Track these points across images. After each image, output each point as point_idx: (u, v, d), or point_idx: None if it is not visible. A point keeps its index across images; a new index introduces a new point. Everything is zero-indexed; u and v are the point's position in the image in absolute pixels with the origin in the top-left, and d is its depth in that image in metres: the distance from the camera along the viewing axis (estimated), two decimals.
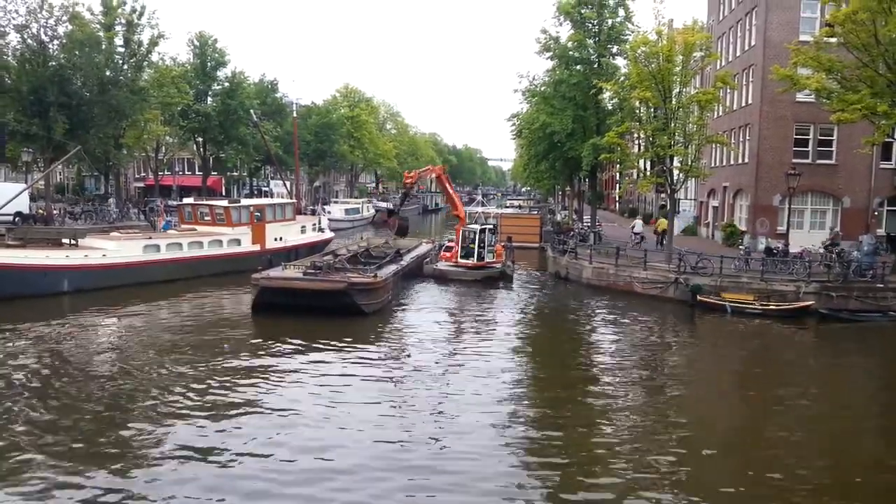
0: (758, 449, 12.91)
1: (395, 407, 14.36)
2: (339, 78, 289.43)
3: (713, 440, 13.52)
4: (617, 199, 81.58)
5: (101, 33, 43.06)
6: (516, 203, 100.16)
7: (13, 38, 38.22)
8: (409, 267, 30.34)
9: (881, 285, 25.19)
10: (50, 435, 12.43)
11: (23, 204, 41.44)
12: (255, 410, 13.96)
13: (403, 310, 25.47)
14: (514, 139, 58.33)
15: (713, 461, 12.44)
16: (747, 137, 36.54)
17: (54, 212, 43.68)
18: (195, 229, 33.37)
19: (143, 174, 72.67)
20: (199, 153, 62.54)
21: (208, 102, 58.28)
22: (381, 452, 12.02)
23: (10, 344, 18.88)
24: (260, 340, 20.17)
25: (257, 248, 33.90)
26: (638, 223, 40.31)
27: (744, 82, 37.00)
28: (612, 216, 70.05)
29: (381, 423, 13.37)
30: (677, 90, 29.89)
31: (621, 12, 36.66)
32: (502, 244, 33.44)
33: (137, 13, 45.07)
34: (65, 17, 39.37)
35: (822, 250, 29.13)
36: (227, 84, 59.20)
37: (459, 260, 32.06)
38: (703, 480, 11.40)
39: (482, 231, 32.04)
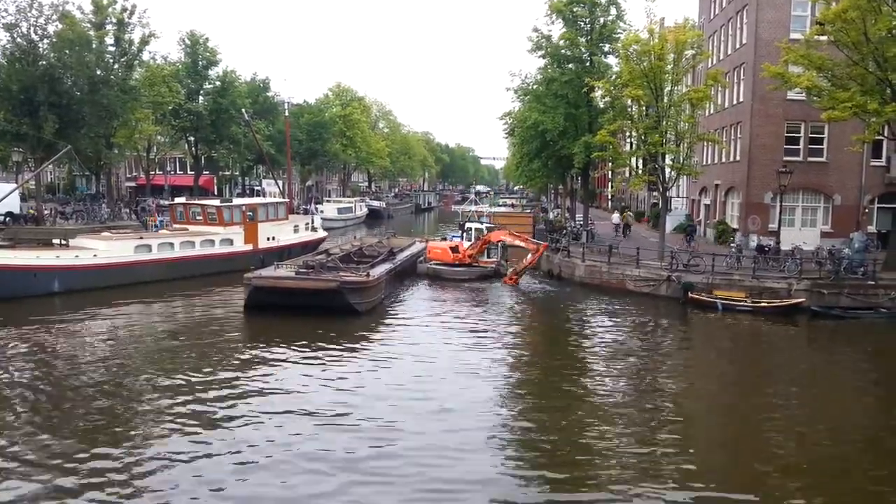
0: (748, 445, 12.97)
1: (387, 406, 14.31)
2: (331, 76, 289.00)
3: (705, 438, 13.58)
4: (609, 197, 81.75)
5: (91, 32, 42.77)
6: (509, 202, 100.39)
7: (2, 37, 38.02)
8: (402, 266, 30.32)
9: (872, 282, 25.32)
10: (44, 435, 12.37)
11: (13, 204, 41.27)
12: (247, 410, 13.90)
13: (396, 309, 25.44)
14: (507, 138, 58.21)
15: (705, 458, 12.46)
16: (739, 135, 36.67)
17: (45, 212, 43.44)
18: (187, 229, 33.24)
19: (134, 174, 72.31)
20: (191, 152, 62.27)
21: (200, 101, 58.03)
22: (374, 452, 12.00)
23: (0, 346, 18.76)
24: (252, 340, 20.14)
25: (249, 247, 33.81)
26: (615, 216, 48.50)
27: (735, 80, 37.12)
28: (604, 214, 70.12)
29: (374, 422, 13.33)
30: (669, 88, 29.97)
31: (613, 11, 36.65)
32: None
33: (128, 12, 44.80)
34: (55, 16, 39.10)
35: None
36: (218, 83, 58.96)
37: (480, 259, 33.14)
38: (696, 478, 11.42)
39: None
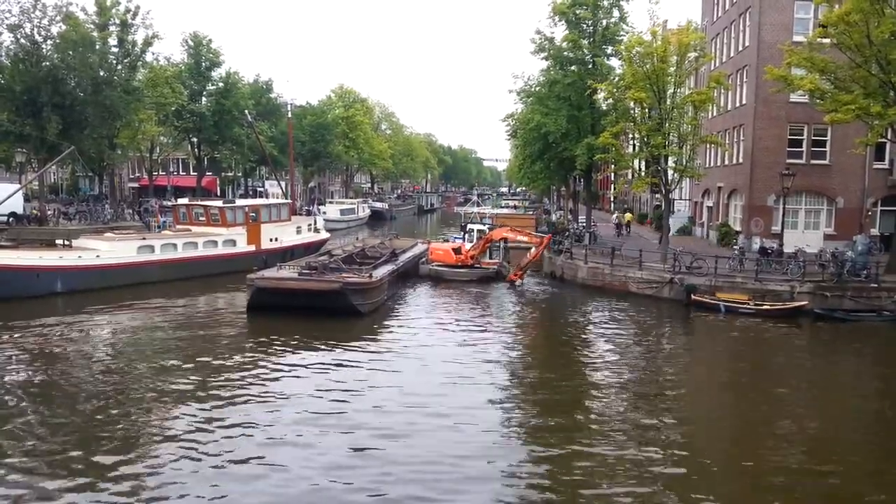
0: (751, 449, 12.93)
1: (388, 409, 14.32)
2: (334, 78, 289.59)
3: (708, 445, 13.51)
4: (612, 199, 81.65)
5: (94, 33, 42.85)
6: (511, 203, 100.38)
7: (6, 38, 38.08)
8: (404, 267, 30.32)
9: (875, 285, 25.26)
10: (45, 434, 12.40)
11: (17, 204, 41.37)
12: (248, 410, 13.94)
13: (399, 310, 25.45)
14: (509, 139, 58.22)
15: (709, 466, 12.44)
16: (741, 138, 36.63)
17: (48, 212, 43.50)
18: (190, 230, 33.28)
19: (137, 174, 72.39)
20: (194, 153, 62.34)
21: (203, 102, 58.08)
22: (374, 455, 12.01)
23: (3, 346, 18.79)
24: (254, 341, 20.15)
25: (252, 248, 33.84)
26: (614, 217, 51.57)
27: (738, 83, 37.09)
28: (607, 216, 70.11)
29: (375, 425, 13.33)
30: (672, 91, 29.95)
31: (616, 13, 36.60)
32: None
33: (131, 13, 44.91)
34: (58, 17, 39.17)
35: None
36: (221, 84, 59.01)
37: (482, 260, 33.13)
38: (698, 482, 11.42)
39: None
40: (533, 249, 31.83)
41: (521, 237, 32.91)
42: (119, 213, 48.65)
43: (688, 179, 36.45)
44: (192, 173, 68.39)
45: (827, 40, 26.22)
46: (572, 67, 36.55)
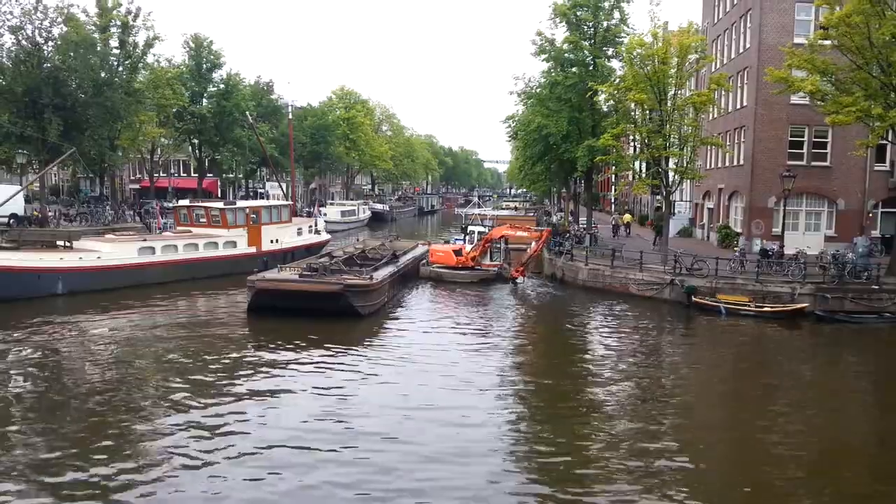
0: (753, 451, 12.93)
1: (388, 411, 14.31)
2: (335, 79, 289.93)
3: (709, 449, 13.47)
4: (613, 201, 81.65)
5: (96, 35, 42.94)
6: (512, 205, 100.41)
7: (7, 40, 38.15)
8: (405, 269, 30.33)
9: (876, 287, 25.24)
10: (46, 436, 12.41)
11: (18, 206, 41.39)
12: (247, 411, 13.94)
13: (399, 312, 25.44)
14: (510, 141, 58.24)
15: (709, 465, 12.43)
16: (742, 139, 36.62)
17: (49, 214, 43.53)
18: (191, 231, 33.29)
19: (138, 176, 72.43)
20: (195, 155, 62.44)
21: (203, 104, 58.18)
22: (372, 456, 11.98)
23: (4, 347, 18.79)
24: (255, 342, 20.16)
25: (253, 249, 33.85)
26: (612, 217, 53.41)
27: (739, 84, 37.08)
28: (608, 218, 70.07)
29: (374, 427, 13.32)
30: (672, 92, 29.94)
31: (616, 14, 36.64)
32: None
33: (132, 15, 45.03)
34: (60, 19, 39.26)
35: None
36: (222, 86, 59.12)
37: (482, 262, 33.02)
38: (700, 485, 11.39)
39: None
40: (533, 244, 31.90)
41: (520, 233, 33.06)
42: (120, 214, 48.67)
43: (688, 181, 36.45)
44: (192, 175, 68.40)
45: (828, 42, 26.24)
46: (573, 69, 36.56)
